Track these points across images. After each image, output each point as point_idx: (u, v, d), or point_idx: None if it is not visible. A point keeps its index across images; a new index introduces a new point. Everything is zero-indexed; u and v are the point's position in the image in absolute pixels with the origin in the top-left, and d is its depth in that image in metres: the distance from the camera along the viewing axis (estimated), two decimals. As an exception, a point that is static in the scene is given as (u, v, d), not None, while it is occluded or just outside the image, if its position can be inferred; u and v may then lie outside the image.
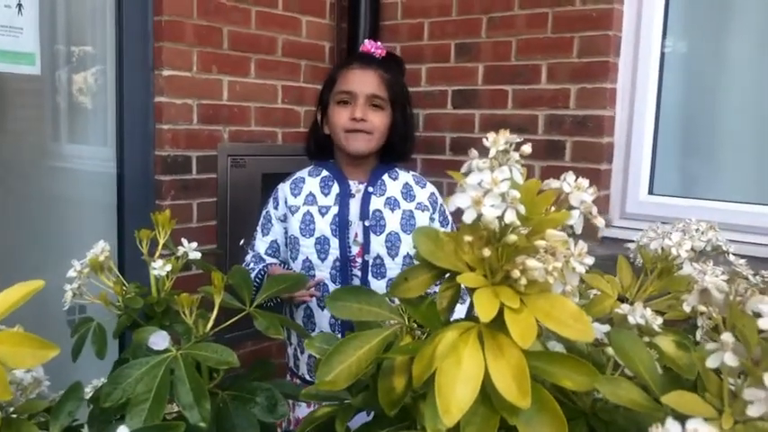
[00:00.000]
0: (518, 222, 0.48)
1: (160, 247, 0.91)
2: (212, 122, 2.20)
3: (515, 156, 0.54)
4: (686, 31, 2.15)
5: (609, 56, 2.10)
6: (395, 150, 1.60)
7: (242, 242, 2.29)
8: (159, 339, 0.71)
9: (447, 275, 0.53)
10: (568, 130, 2.18)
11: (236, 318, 0.82)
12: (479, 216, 0.48)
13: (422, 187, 1.60)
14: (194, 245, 0.91)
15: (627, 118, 2.16)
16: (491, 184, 0.48)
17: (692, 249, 0.67)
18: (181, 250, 0.89)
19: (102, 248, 0.87)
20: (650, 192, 2.17)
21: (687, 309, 0.64)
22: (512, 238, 0.48)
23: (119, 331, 0.85)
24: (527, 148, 0.54)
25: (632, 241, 0.90)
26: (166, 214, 0.92)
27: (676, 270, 0.69)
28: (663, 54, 2.14)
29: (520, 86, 2.28)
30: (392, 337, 0.59)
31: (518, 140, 0.55)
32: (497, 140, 0.52)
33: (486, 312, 0.46)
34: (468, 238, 0.49)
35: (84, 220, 2.09)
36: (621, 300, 0.74)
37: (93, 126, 2.11)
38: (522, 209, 0.49)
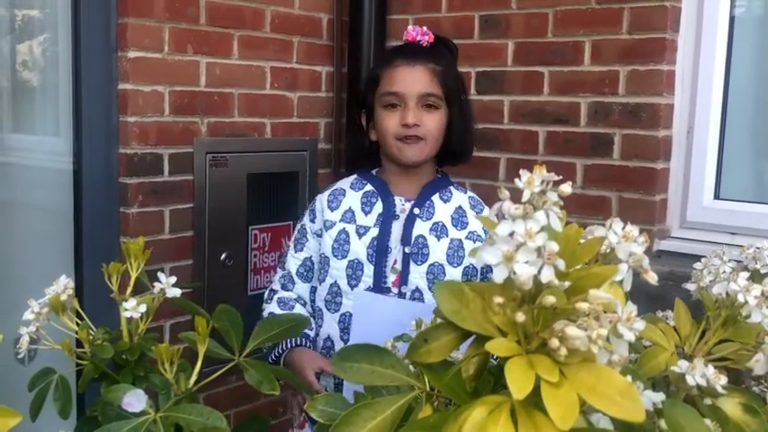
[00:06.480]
0: (556, 281, 0.51)
1: (132, 282, 0.94)
2: (187, 113, 2.23)
3: (553, 197, 0.56)
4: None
5: (666, 31, 2.11)
6: (455, 153, 1.66)
7: (224, 257, 2.32)
8: (134, 400, 0.74)
9: (474, 338, 0.56)
10: (617, 122, 2.19)
11: (223, 369, 0.85)
12: (512, 274, 0.51)
13: (477, 213, 1.64)
14: (173, 279, 0.94)
15: (688, 106, 2.17)
16: (525, 237, 0.51)
17: (763, 294, 0.70)
18: (157, 287, 0.92)
19: (64, 285, 0.90)
20: (716, 196, 2.18)
21: (758, 371, 0.66)
22: (549, 299, 0.50)
23: (84, 384, 0.88)
24: (566, 188, 0.57)
25: (694, 257, 0.92)
26: (139, 243, 0.95)
27: (744, 318, 0.72)
28: (732, 20, 2.14)
29: (558, 68, 2.29)
30: (410, 404, 0.61)
31: (556, 178, 0.57)
32: (532, 181, 0.55)
33: (519, 387, 0.48)
34: (498, 299, 0.52)
35: (28, 229, 2.12)
36: (678, 350, 0.77)
37: (42, 110, 2.13)
38: (561, 264, 0.51)
